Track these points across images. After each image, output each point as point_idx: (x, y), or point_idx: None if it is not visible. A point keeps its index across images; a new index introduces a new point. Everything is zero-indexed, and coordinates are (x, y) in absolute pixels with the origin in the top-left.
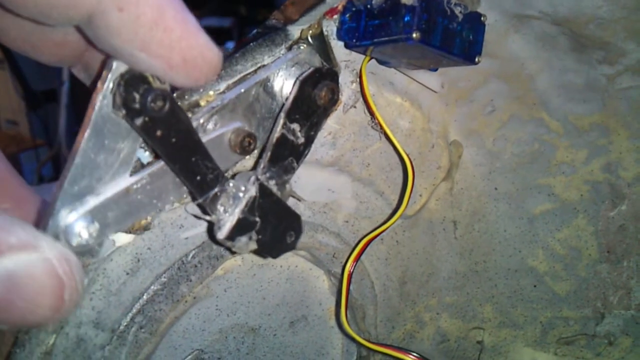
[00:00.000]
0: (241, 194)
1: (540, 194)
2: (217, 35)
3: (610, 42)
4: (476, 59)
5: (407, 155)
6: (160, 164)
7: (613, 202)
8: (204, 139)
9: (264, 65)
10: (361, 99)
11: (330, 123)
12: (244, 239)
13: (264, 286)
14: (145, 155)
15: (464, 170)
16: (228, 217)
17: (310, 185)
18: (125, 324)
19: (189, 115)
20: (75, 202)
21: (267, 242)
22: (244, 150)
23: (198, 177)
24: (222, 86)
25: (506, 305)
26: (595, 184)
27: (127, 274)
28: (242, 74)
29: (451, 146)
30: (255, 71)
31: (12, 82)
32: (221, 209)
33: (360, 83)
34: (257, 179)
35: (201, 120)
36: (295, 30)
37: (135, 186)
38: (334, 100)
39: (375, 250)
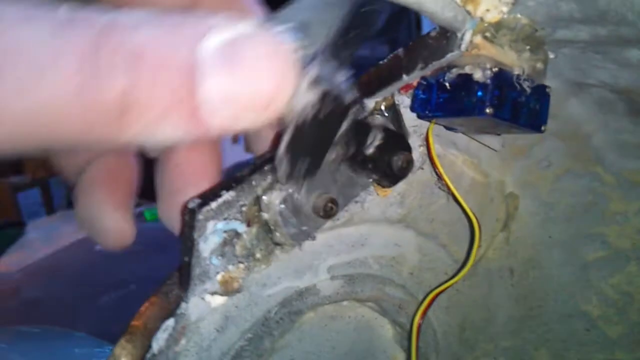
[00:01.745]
0: None
1: (594, 242)
2: None
3: None
4: (542, 128)
5: (475, 216)
6: None
7: None
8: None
9: None
10: (428, 160)
11: (400, 184)
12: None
13: (334, 336)
14: (242, 226)
15: (520, 219)
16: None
17: (379, 241)
18: None
19: (279, 186)
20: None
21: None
22: (327, 214)
23: None
24: None
25: (560, 348)
26: None
27: (217, 331)
28: None
29: (508, 198)
30: None
31: None
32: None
33: (428, 147)
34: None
35: (290, 190)
36: (370, 103)
37: None
38: (407, 170)
39: (437, 299)
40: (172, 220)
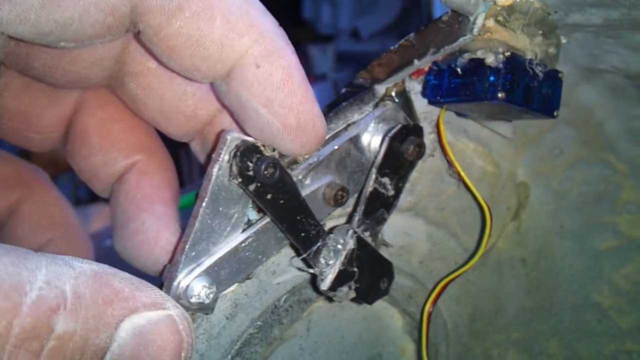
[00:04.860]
0: (340, 247)
1: (605, 231)
2: None
3: None
4: (554, 113)
5: (487, 204)
6: (264, 222)
7: None
8: (303, 193)
9: (353, 122)
10: (439, 147)
11: None
12: (344, 289)
13: (343, 326)
14: (253, 213)
15: (531, 209)
16: (330, 269)
17: (388, 230)
18: None
19: (289, 171)
20: (193, 264)
21: (364, 289)
22: (337, 203)
23: (302, 234)
24: None
25: (571, 339)
26: None
27: (227, 318)
28: (334, 132)
29: (519, 187)
30: (345, 128)
31: None
32: (323, 261)
33: (438, 134)
34: (355, 232)
35: (300, 177)
36: (381, 89)
37: (243, 244)
38: (420, 153)
39: (447, 289)
40: (128, 250)
